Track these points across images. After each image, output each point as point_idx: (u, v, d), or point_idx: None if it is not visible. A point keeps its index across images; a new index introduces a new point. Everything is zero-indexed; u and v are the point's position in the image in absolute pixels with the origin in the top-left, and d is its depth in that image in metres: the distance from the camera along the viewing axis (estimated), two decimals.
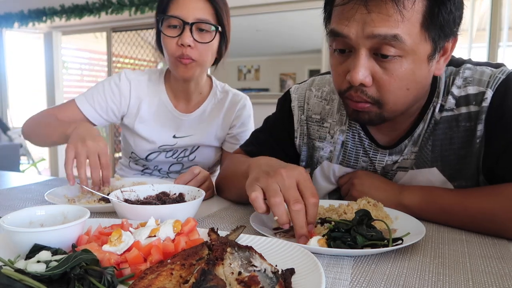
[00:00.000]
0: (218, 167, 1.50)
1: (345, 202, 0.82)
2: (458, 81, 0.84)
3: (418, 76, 0.75)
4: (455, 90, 0.83)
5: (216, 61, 1.30)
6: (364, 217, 0.68)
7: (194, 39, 1.16)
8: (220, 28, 1.20)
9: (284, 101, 1.06)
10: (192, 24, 1.15)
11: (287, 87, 3.59)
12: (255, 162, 0.79)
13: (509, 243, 0.71)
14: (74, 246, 0.56)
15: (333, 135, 0.97)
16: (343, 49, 0.76)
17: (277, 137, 1.06)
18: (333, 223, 0.70)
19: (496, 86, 0.79)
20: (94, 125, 1.32)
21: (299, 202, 0.66)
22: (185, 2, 1.16)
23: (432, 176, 0.86)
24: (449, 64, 0.87)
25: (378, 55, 0.72)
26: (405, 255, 0.64)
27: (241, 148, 1.11)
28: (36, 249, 0.53)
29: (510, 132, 0.78)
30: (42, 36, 5.09)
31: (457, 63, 0.86)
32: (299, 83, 1.07)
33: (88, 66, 6.73)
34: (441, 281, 0.55)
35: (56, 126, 1.15)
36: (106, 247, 0.52)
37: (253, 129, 1.41)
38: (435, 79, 0.84)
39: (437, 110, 0.85)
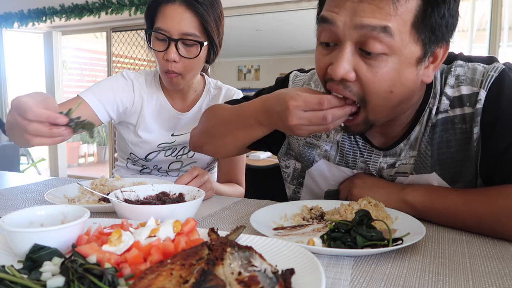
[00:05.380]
0: (216, 164, 1.51)
1: (346, 202, 0.82)
2: (451, 80, 0.81)
3: (403, 78, 0.72)
4: (448, 90, 0.81)
5: (207, 62, 1.31)
6: (364, 217, 0.68)
7: (180, 54, 1.17)
8: (206, 42, 1.20)
9: (282, 84, 1.05)
10: (178, 40, 1.16)
11: None
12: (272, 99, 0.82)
13: (509, 243, 0.71)
14: (74, 246, 0.56)
15: (329, 134, 0.95)
16: (328, 43, 0.75)
17: None
18: (333, 223, 0.70)
19: (489, 86, 0.77)
20: (101, 122, 1.28)
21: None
22: (171, 14, 1.15)
23: (433, 181, 0.84)
24: None
25: (364, 51, 0.71)
26: (405, 255, 0.64)
27: (223, 103, 1.11)
28: (36, 249, 0.53)
29: (506, 136, 0.76)
30: (42, 36, 5.08)
31: (448, 60, 0.83)
32: (300, 71, 1.06)
33: (88, 66, 6.73)
34: (441, 281, 0.55)
35: None
36: (106, 247, 0.52)
37: None
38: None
39: (433, 112, 0.82)
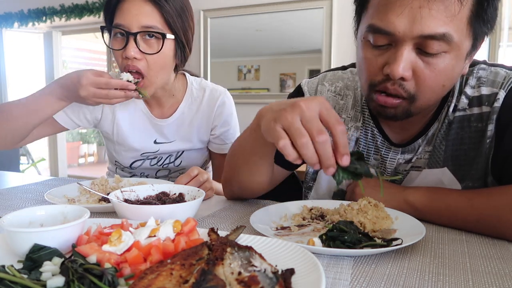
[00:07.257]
0: (210, 166, 1.45)
1: (346, 202, 0.82)
2: (472, 81, 0.83)
3: (455, 72, 0.74)
4: (468, 90, 0.83)
5: (176, 68, 1.18)
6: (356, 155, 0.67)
7: (140, 50, 1.05)
8: (168, 35, 1.08)
9: (297, 95, 1.04)
10: (137, 33, 1.05)
11: (287, 87, 3.59)
12: (264, 108, 0.73)
13: (509, 243, 0.71)
14: (74, 246, 0.56)
15: (347, 132, 0.96)
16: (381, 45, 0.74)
17: None
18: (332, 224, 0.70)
19: (510, 87, 0.79)
20: (66, 129, 1.26)
21: (323, 133, 0.61)
22: (129, 8, 1.05)
23: (443, 176, 0.86)
24: None
25: (422, 51, 0.71)
26: (405, 255, 0.64)
27: None
28: (36, 249, 0.53)
29: None
30: (42, 36, 5.08)
31: (471, 63, 0.85)
32: (310, 78, 1.06)
33: (88, 66, 6.73)
34: (441, 281, 0.55)
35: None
36: (106, 247, 0.52)
37: (237, 126, 1.35)
38: None
39: (451, 110, 0.84)
